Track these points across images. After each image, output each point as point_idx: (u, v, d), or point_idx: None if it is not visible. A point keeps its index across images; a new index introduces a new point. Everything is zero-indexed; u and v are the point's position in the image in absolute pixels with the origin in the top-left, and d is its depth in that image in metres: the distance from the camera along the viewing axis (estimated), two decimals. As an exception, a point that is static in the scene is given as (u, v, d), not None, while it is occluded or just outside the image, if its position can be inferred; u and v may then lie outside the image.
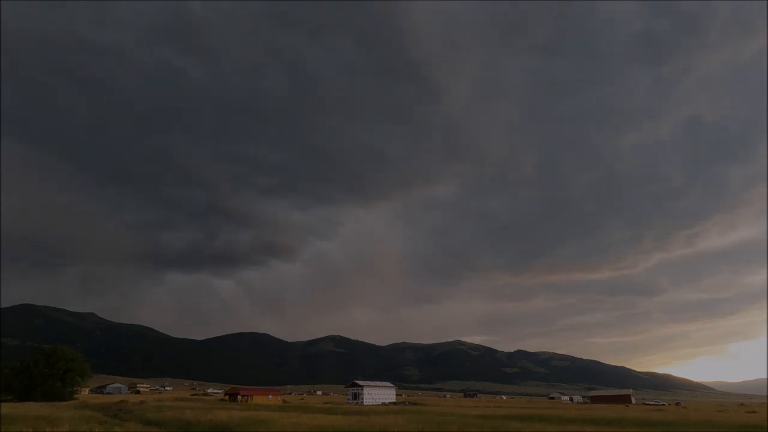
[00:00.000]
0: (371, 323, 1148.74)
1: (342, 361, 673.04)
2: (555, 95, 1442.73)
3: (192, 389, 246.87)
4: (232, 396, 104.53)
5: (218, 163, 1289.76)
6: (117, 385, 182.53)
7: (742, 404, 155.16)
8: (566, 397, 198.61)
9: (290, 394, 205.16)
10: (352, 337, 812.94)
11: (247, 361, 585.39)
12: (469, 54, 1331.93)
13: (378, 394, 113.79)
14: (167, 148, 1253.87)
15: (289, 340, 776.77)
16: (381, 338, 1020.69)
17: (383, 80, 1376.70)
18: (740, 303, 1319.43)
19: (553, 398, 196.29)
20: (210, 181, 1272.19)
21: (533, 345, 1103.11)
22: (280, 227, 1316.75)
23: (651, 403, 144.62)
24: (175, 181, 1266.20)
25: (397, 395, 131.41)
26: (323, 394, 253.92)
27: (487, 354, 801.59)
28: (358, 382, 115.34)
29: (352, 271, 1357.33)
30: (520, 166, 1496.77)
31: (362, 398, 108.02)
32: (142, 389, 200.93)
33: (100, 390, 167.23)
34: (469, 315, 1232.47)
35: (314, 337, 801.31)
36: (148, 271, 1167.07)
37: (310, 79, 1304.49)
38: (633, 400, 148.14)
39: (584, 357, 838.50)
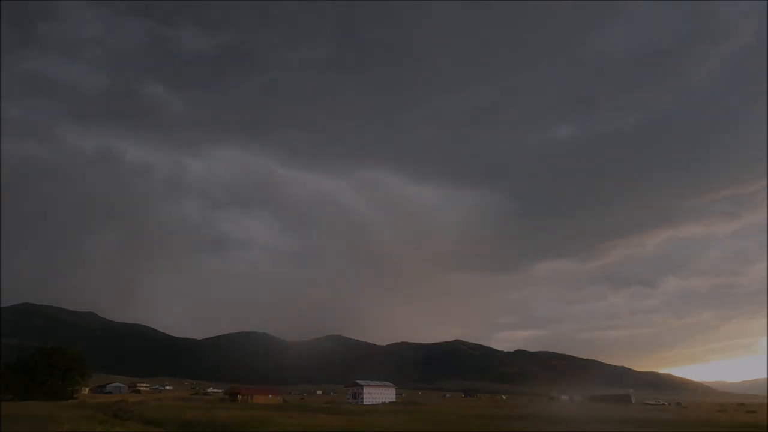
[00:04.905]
0: (371, 322, 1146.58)
1: (342, 361, 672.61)
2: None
3: (192, 389, 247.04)
4: (232, 396, 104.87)
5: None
6: (117, 384, 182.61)
7: (742, 404, 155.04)
8: (566, 397, 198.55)
9: (290, 393, 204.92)
10: (352, 337, 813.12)
11: (247, 361, 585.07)
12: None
13: (378, 393, 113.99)
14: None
15: (289, 340, 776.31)
16: (381, 338, 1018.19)
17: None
18: (740, 301, 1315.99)
19: (553, 398, 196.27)
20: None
21: (533, 344, 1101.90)
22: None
23: (651, 402, 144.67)
24: (172, 148, 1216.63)
25: (397, 395, 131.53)
26: (323, 393, 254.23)
27: (487, 354, 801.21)
28: (358, 381, 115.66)
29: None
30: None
31: (362, 398, 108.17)
32: (142, 389, 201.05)
33: (100, 389, 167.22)
34: (468, 314, 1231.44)
35: (314, 337, 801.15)
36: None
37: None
38: (633, 400, 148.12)
39: (584, 357, 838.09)
